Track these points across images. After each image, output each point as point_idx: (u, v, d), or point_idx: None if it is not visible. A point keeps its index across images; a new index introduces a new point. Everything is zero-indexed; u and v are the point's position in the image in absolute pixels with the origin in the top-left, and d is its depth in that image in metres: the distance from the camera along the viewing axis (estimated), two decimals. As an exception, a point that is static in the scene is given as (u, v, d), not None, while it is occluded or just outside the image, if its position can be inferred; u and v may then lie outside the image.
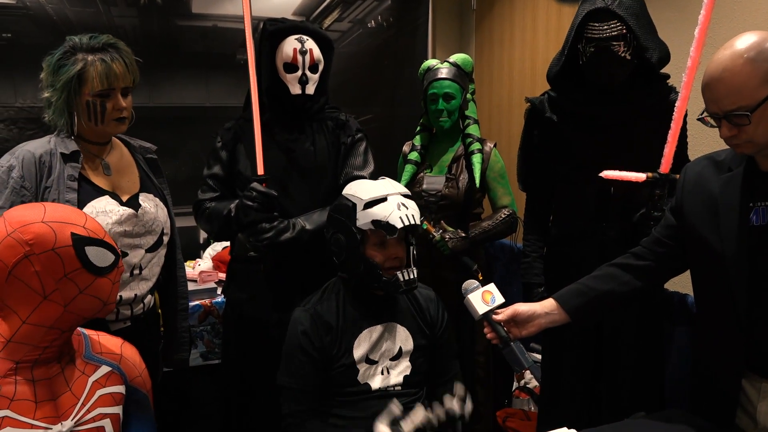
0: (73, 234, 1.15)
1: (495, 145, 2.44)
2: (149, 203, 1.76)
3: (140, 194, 1.77)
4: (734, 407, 1.38)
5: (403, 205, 1.67)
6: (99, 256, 1.17)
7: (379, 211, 1.64)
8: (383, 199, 1.67)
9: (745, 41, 1.23)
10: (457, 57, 2.42)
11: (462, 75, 2.39)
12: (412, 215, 1.67)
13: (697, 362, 1.52)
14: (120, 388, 1.28)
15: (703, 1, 1.53)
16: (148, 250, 1.75)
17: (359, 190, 1.71)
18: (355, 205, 1.67)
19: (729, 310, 1.34)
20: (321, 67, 2.02)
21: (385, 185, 1.73)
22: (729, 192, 1.35)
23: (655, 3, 2.00)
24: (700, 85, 1.30)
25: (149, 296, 1.81)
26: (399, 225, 1.63)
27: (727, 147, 1.37)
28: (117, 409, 1.26)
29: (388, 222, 1.63)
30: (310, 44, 1.99)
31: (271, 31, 1.99)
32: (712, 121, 1.29)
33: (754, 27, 2.10)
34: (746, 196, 1.33)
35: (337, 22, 3.61)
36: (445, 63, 2.40)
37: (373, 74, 3.72)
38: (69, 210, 1.21)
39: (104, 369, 1.27)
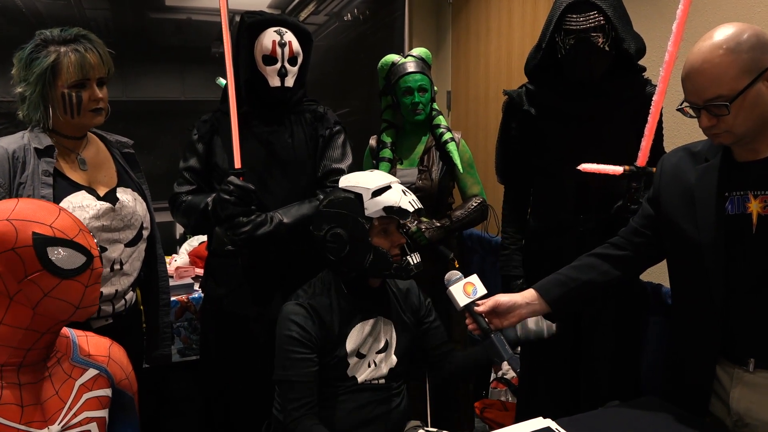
0: (34, 234, 1.09)
1: (461, 136, 2.50)
2: (127, 197, 1.74)
3: (118, 188, 1.74)
4: (708, 394, 1.41)
5: (406, 191, 1.72)
6: (64, 258, 1.12)
7: (388, 198, 1.67)
8: (388, 187, 1.70)
9: (723, 32, 1.25)
10: (420, 51, 2.47)
11: (427, 68, 2.44)
12: (416, 200, 1.72)
13: (672, 350, 1.55)
14: (107, 392, 1.26)
15: (680, -5, 1.55)
16: (127, 245, 1.73)
17: (360, 180, 1.72)
18: (360, 195, 1.69)
19: (705, 297, 1.37)
20: (300, 60, 2.01)
21: (382, 175, 1.75)
22: (705, 182, 1.38)
23: (630, -2, 2.02)
24: (676, 79, 1.32)
25: (131, 292, 1.79)
26: (411, 209, 1.67)
27: (703, 139, 1.40)
28: (103, 413, 1.24)
29: (400, 207, 1.66)
30: (289, 37, 1.97)
31: (250, 24, 1.97)
32: (691, 112, 1.32)
33: (726, 21, 2.13)
34: (722, 186, 1.35)
35: (313, 15, 3.60)
36: (410, 57, 2.43)
37: (350, 67, 3.72)
38: (40, 207, 1.15)
39: (91, 372, 1.25)
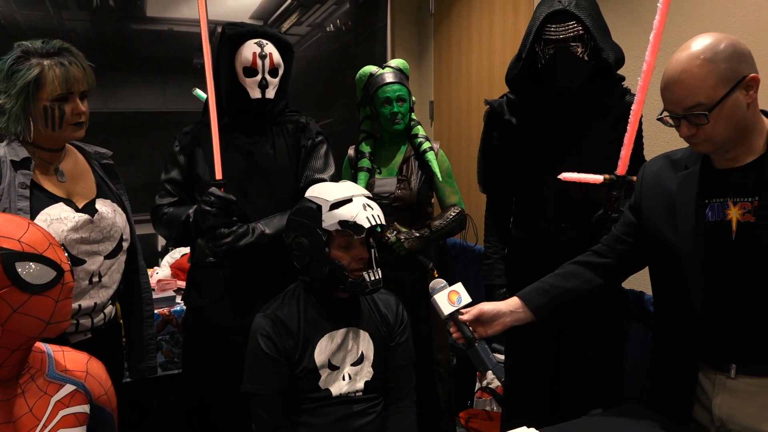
0: (2, 249, 1.07)
1: (439, 146, 2.52)
2: (106, 209, 1.72)
3: (97, 200, 1.72)
4: (691, 401, 1.42)
5: (368, 205, 1.69)
6: (33, 273, 1.09)
7: (345, 212, 1.65)
8: (349, 200, 1.67)
9: (701, 43, 1.27)
10: (397, 62, 2.50)
11: (405, 78, 2.47)
12: (378, 215, 1.69)
13: (654, 357, 1.56)
14: (84, 408, 1.23)
15: (658, 6, 1.57)
16: (107, 257, 1.70)
17: (323, 192, 1.71)
18: (320, 206, 1.67)
19: (686, 304, 1.38)
20: (281, 72, 2.01)
21: (349, 187, 1.74)
22: (685, 189, 1.39)
23: (608, 9, 2.05)
24: (654, 89, 1.34)
25: (110, 305, 1.76)
26: (366, 225, 1.64)
27: (683, 147, 1.41)
28: (80, 430, 1.21)
29: (355, 222, 1.64)
30: (270, 48, 1.97)
31: (230, 35, 1.97)
32: (671, 121, 1.33)
33: (702, 31, 2.17)
34: (702, 194, 1.37)
35: (295, 26, 3.60)
36: (387, 68, 2.46)
37: (333, 78, 3.73)
38: (8, 222, 1.13)
39: (68, 388, 1.22)
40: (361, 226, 1.64)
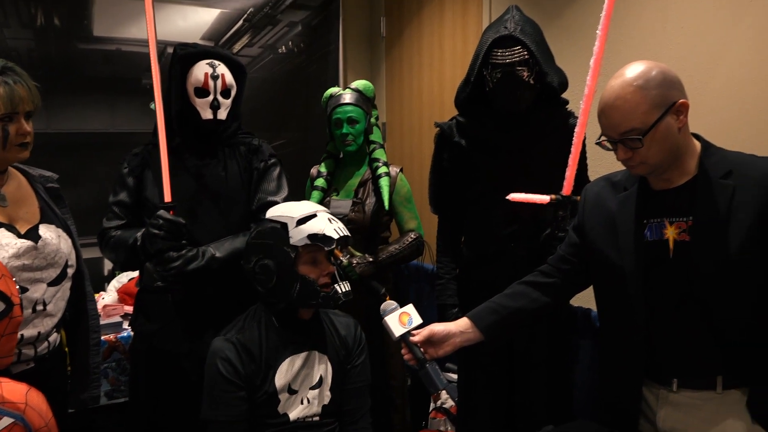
0: None
1: (401, 170, 2.49)
2: (51, 234, 1.67)
3: (40, 225, 1.67)
4: (636, 415, 1.45)
5: (332, 219, 1.71)
6: None
7: (313, 226, 1.66)
8: (314, 215, 1.69)
9: (633, 70, 1.33)
10: (359, 83, 2.47)
11: (364, 100, 2.44)
12: (342, 228, 1.71)
13: (601, 373, 1.60)
14: None
15: (597, 33, 1.64)
16: (50, 284, 1.65)
17: (286, 210, 1.72)
18: (285, 224, 1.68)
19: (629, 321, 1.43)
20: (233, 93, 2.00)
21: (308, 204, 1.75)
22: (625, 210, 1.44)
23: (551, 35, 2.12)
24: (596, 111, 1.39)
25: (54, 334, 1.70)
26: (335, 236, 1.66)
27: (623, 168, 1.47)
28: None
29: (324, 234, 1.65)
30: (222, 69, 1.97)
31: (182, 56, 1.95)
32: (608, 145, 1.39)
33: (639, 57, 2.26)
34: (640, 214, 1.42)
35: (247, 47, 3.60)
36: (347, 89, 2.45)
37: (286, 99, 3.73)
38: None
39: (6, 421, 1.17)
40: (331, 238, 1.66)
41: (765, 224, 1.29)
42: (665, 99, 1.30)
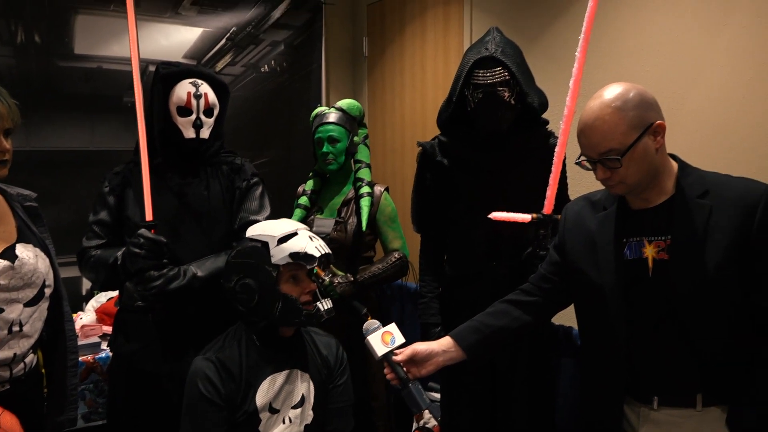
0: None
1: (387, 189, 2.49)
2: (28, 254, 1.64)
3: (17, 244, 1.64)
4: (618, 432, 1.46)
5: (313, 237, 1.71)
6: None
7: (294, 244, 1.66)
8: (295, 233, 1.69)
9: (611, 92, 1.35)
10: (343, 102, 2.47)
11: (348, 119, 2.43)
12: (323, 245, 1.71)
13: (582, 391, 1.60)
14: None
15: (576, 55, 1.68)
16: (27, 305, 1.62)
17: (266, 229, 1.71)
18: (266, 243, 1.67)
19: (609, 339, 1.44)
20: (216, 112, 2.00)
21: (290, 223, 1.75)
22: (604, 229, 1.46)
23: (531, 57, 2.16)
24: (576, 131, 1.42)
25: (31, 355, 1.67)
26: (317, 254, 1.66)
27: (603, 188, 1.49)
28: None
29: (306, 252, 1.65)
30: (205, 88, 1.97)
31: (165, 74, 1.95)
32: (588, 165, 1.41)
33: (617, 78, 2.31)
34: (619, 233, 1.44)
35: (230, 66, 3.60)
36: (332, 108, 2.45)
37: (269, 118, 3.74)
38: None
39: None
40: (313, 256, 1.65)
41: (741, 244, 1.31)
42: (643, 120, 1.33)
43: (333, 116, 2.41)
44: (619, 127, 1.32)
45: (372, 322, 1.59)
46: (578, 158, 1.42)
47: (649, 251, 1.40)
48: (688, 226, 1.35)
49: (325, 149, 2.38)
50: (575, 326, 2.03)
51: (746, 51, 2.08)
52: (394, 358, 1.54)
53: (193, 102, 1.93)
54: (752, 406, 1.31)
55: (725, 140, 2.16)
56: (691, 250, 1.34)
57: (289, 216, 2.29)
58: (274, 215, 2.04)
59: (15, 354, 1.59)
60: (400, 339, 1.56)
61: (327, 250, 1.71)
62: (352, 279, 2.30)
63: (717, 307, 1.34)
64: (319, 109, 2.49)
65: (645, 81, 2.29)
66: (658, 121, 1.34)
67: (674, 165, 1.42)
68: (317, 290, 1.73)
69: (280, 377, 1.68)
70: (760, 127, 2.07)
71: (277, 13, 3.73)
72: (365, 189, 2.39)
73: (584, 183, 2.31)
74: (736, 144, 2.13)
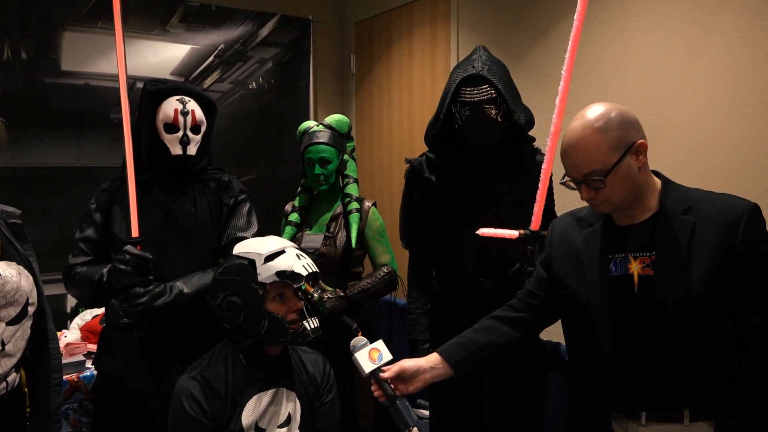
0: None
1: (374, 204, 2.49)
2: (11, 271, 1.62)
3: (0, 262, 1.62)
4: (606, 448, 1.46)
5: (300, 255, 1.70)
6: None
7: (281, 263, 1.65)
8: (282, 252, 1.68)
9: (593, 112, 1.37)
10: (332, 119, 2.46)
11: (338, 137, 2.43)
12: (311, 264, 1.70)
13: (570, 406, 1.61)
14: None
15: (562, 74, 1.70)
16: (9, 323, 1.60)
17: (254, 246, 1.70)
18: (253, 261, 1.66)
19: (596, 354, 1.44)
20: (203, 129, 2.00)
21: (277, 240, 1.74)
22: (590, 245, 1.47)
23: (517, 75, 2.19)
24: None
25: (14, 374, 1.64)
26: (304, 273, 1.65)
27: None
28: None
29: (293, 271, 1.64)
30: (192, 105, 1.97)
31: (152, 91, 1.95)
32: (573, 184, 1.42)
33: (601, 97, 2.34)
34: (605, 249, 1.45)
35: (217, 83, 3.61)
36: (321, 126, 2.43)
37: (256, 135, 3.74)
38: None
39: None
40: (299, 275, 1.65)
41: (724, 259, 1.33)
42: (624, 140, 1.34)
43: (323, 135, 2.39)
44: (601, 148, 1.33)
45: (359, 339, 1.59)
46: (563, 178, 1.43)
47: (635, 267, 1.41)
48: (672, 242, 1.36)
49: (317, 171, 2.37)
50: (563, 342, 2.04)
51: (728, 69, 2.12)
52: (382, 375, 1.53)
53: (180, 119, 1.93)
54: (738, 419, 1.32)
55: (707, 156, 2.19)
56: (676, 266, 1.35)
57: (277, 232, 2.29)
58: (261, 232, 2.04)
59: (-3, 373, 1.56)
60: (387, 356, 1.56)
61: (314, 268, 1.70)
62: (341, 294, 2.30)
63: (702, 321, 1.35)
64: (306, 124, 2.48)
65: (629, 99, 2.33)
66: (639, 140, 1.36)
67: (657, 182, 1.44)
68: (304, 308, 1.72)
69: (266, 396, 1.67)
70: (741, 143, 2.10)
71: (265, 31, 3.75)
72: (354, 205, 2.40)
73: (570, 199, 2.32)
74: (717, 160, 2.16)
